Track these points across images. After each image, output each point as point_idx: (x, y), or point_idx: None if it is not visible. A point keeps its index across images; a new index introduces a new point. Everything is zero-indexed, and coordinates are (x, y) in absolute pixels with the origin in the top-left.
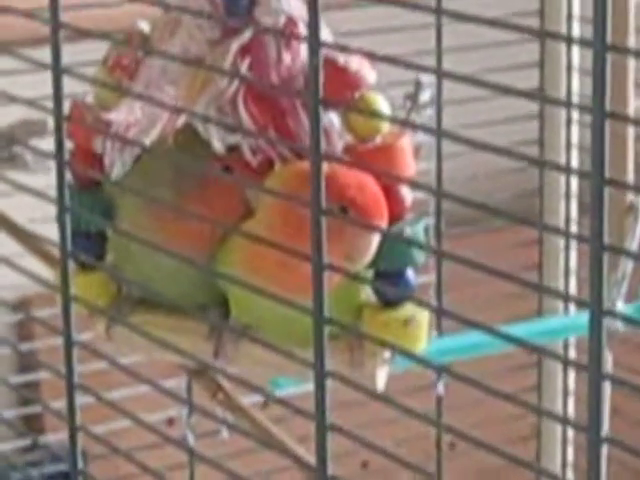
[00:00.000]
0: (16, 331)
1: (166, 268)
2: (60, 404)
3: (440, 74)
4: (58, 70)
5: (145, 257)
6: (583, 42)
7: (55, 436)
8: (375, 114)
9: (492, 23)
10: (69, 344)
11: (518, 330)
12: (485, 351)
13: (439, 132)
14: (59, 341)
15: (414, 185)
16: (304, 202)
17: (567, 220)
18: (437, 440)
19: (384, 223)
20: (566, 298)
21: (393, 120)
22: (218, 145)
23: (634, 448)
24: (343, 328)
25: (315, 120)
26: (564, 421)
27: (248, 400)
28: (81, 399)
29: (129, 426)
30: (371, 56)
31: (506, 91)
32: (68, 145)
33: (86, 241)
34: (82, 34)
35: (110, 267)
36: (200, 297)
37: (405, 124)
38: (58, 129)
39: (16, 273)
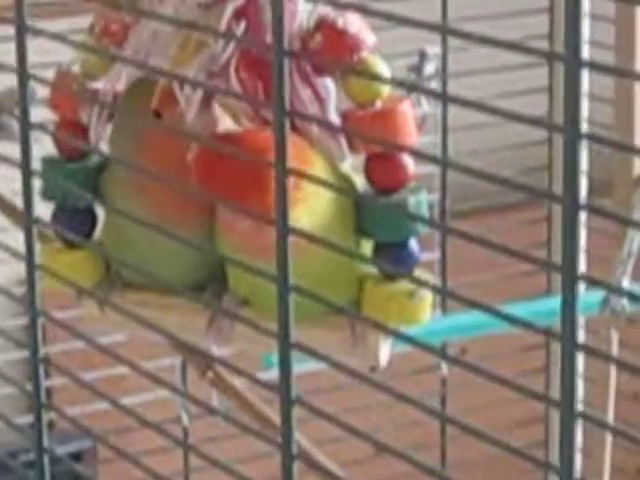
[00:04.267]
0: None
1: (160, 244)
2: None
3: (445, 31)
4: (21, 28)
5: (137, 235)
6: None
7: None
8: (373, 76)
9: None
10: (34, 318)
11: (523, 310)
12: (490, 330)
13: (444, 99)
14: (71, 345)
15: (415, 154)
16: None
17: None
18: (441, 429)
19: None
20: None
21: (395, 83)
22: (190, 115)
23: (615, 426)
24: (312, 297)
25: (279, 75)
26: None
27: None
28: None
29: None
30: (368, 12)
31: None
32: (52, 115)
33: (73, 217)
34: None
35: (98, 246)
36: (200, 272)
37: (408, 88)
38: (22, 87)
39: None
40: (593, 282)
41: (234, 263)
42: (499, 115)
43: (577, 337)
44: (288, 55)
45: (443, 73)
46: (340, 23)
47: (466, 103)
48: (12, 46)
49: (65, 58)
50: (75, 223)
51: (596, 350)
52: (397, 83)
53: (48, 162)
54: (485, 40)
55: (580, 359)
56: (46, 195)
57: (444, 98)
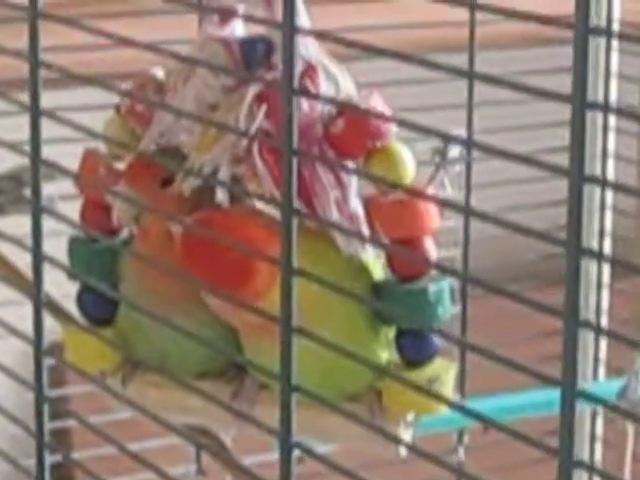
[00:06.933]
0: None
1: (171, 332)
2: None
3: (470, 144)
4: (36, 112)
5: (148, 322)
6: None
7: None
8: (394, 168)
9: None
10: (40, 400)
11: (537, 397)
12: (511, 416)
13: (467, 211)
14: (92, 388)
15: (438, 268)
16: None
17: (598, 285)
18: None
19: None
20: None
21: (419, 194)
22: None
23: None
24: (311, 397)
25: (288, 170)
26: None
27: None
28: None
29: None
30: (392, 116)
31: (540, 167)
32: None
33: (97, 298)
34: (73, 77)
35: (115, 335)
36: (218, 357)
37: (432, 200)
38: (35, 173)
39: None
40: (595, 400)
41: (245, 362)
42: (516, 230)
43: (573, 455)
44: (297, 154)
45: (468, 156)
46: (362, 108)
47: (486, 217)
48: (14, 121)
49: (69, 133)
50: (99, 304)
51: (598, 469)
52: (420, 195)
53: (74, 242)
54: (507, 154)
55: (599, 423)
56: (72, 275)
57: (466, 211)
